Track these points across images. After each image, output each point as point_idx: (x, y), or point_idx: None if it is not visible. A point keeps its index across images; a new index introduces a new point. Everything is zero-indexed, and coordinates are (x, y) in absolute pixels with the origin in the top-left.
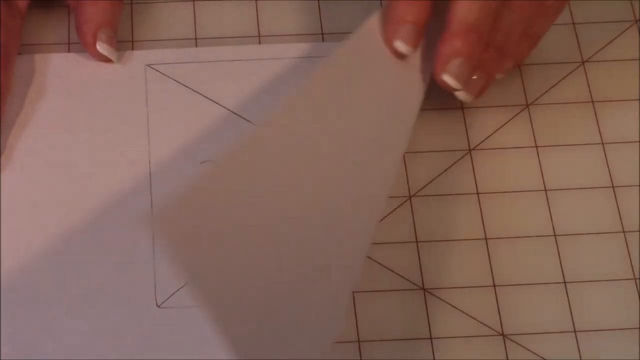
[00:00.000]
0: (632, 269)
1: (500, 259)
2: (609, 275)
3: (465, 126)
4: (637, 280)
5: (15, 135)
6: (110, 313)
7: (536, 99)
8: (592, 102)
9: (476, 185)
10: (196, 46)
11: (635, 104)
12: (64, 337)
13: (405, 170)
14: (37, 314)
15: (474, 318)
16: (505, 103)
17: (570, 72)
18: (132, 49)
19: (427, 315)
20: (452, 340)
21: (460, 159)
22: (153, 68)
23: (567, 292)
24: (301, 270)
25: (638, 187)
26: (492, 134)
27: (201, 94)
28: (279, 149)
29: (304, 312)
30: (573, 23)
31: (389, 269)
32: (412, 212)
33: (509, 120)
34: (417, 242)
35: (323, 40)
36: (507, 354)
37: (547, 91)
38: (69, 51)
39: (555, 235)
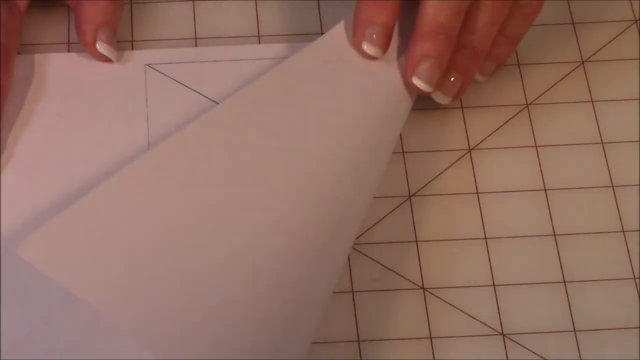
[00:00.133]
0: (632, 269)
1: (500, 259)
2: (609, 275)
3: (465, 126)
4: (637, 280)
5: (15, 135)
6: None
7: (536, 99)
8: (592, 101)
9: (476, 185)
10: (196, 46)
11: (635, 104)
12: (64, 337)
13: (405, 169)
14: (37, 314)
15: (474, 318)
16: (505, 103)
17: (570, 72)
18: (132, 49)
19: (427, 315)
20: (452, 340)
21: (460, 158)
22: (153, 68)
23: (567, 292)
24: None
25: (638, 187)
26: (492, 133)
27: (201, 94)
28: (198, 154)
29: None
30: (573, 23)
31: (389, 269)
32: (412, 211)
33: (508, 120)
34: (417, 242)
35: None
36: (507, 354)
37: (546, 91)
38: (69, 51)
39: (555, 235)
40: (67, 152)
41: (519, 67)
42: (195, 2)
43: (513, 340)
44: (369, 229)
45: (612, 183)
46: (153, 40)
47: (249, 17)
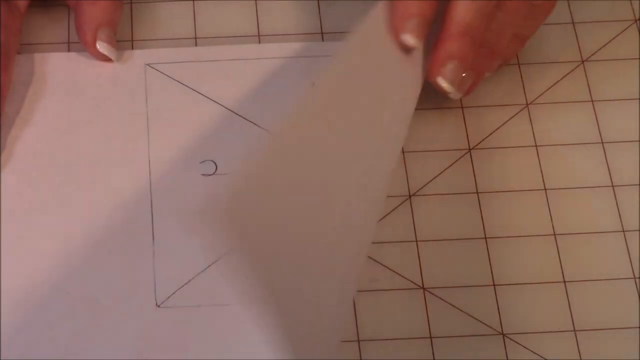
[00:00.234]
0: (632, 269)
1: (500, 259)
2: (609, 275)
3: (465, 126)
4: (637, 280)
5: (15, 135)
6: (110, 313)
7: (536, 98)
8: (592, 101)
9: (476, 184)
10: (196, 45)
11: (635, 104)
12: (64, 338)
13: (405, 169)
14: (37, 315)
15: (473, 317)
16: (505, 102)
17: (570, 72)
18: (132, 49)
19: (427, 315)
20: (452, 340)
21: (460, 158)
22: (153, 67)
23: (567, 292)
24: (314, 269)
25: (638, 187)
26: (492, 133)
27: (201, 94)
28: (299, 152)
29: (312, 311)
30: (573, 22)
31: (389, 268)
32: (412, 211)
33: (508, 120)
34: (417, 241)
35: (323, 40)
36: (507, 354)
37: (546, 90)
38: (68, 50)
39: (555, 234)
40: (67, 152)
41: (519, 67)
42: (195, 1)
43: (513, 340)
44: None
45: (612, 183)
46: (153, 40)
47: (249, 17)
